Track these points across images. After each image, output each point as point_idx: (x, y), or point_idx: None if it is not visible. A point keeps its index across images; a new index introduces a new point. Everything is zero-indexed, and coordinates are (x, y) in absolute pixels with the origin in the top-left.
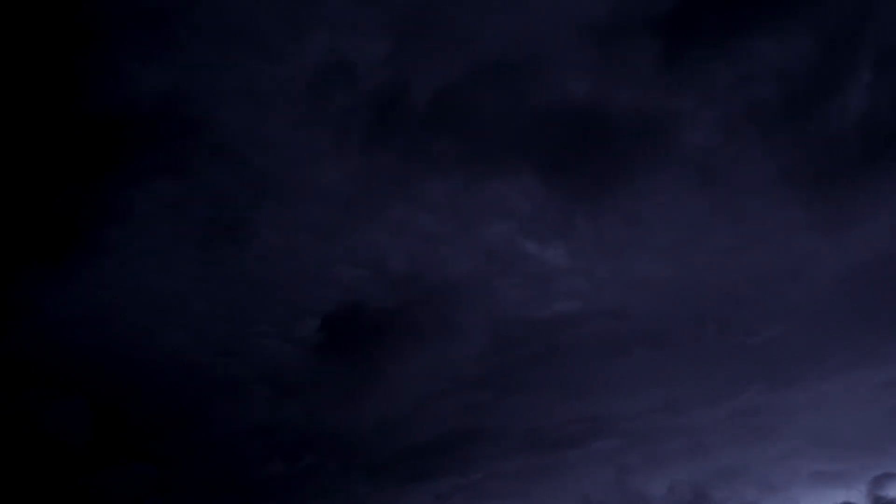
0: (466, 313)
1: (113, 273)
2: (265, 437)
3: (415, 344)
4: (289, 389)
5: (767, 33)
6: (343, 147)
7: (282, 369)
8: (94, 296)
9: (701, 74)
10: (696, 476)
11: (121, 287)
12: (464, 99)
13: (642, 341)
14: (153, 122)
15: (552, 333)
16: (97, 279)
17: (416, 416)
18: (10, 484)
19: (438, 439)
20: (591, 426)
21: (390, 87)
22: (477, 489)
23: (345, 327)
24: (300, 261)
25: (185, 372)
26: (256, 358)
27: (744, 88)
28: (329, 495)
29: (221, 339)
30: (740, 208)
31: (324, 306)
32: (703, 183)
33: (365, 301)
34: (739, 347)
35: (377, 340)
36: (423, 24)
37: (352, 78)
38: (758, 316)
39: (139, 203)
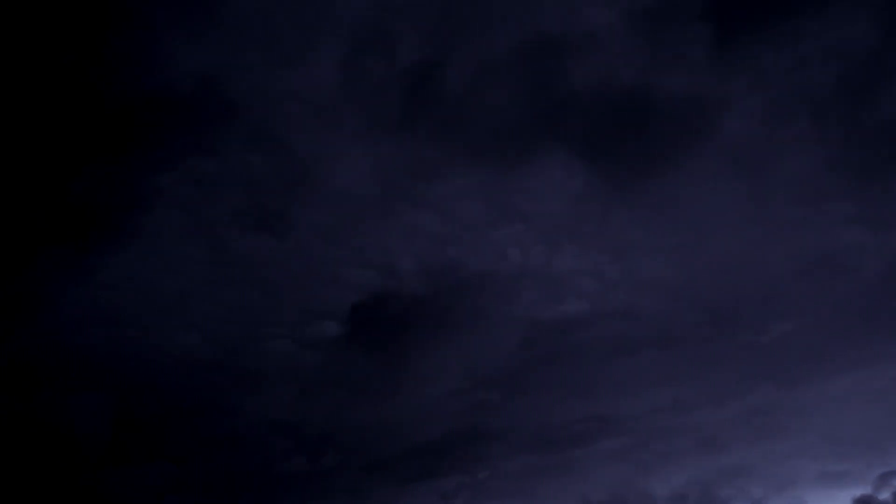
0: (489, 312)
1: (130, 268)
2: (272, 435)
3: (433, 342)
4: (302, 388)
5: (823, 15)
6: (371, 138)
7: (298, 368)
8: (112, 292)
9: (752, 59)
10: (703, 474)
11: (138, 284)
12: (502, 80)
13: (651, 342)
14: (181, 107)
15: (561, 334)
16: (114, 276)
17: (423, 415)
18: (26, 481)
19: (444, 438)
20: (598, 425)
21: (427, 66)
22: (482, 488)
23: (361, 325)
24: (316, 260)
25: (201, 370)
26: (274, 356)
27: (796, 73)
28: (333, 493)
29: (238, 336)
30: (779, 200)
31: (340, 306)
32: (742, 174)
33: (380, 301)
34: (749, 346)
35: (392, 340)
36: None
37: (388, 54)
38: (769, 314)
39: (162, 193)
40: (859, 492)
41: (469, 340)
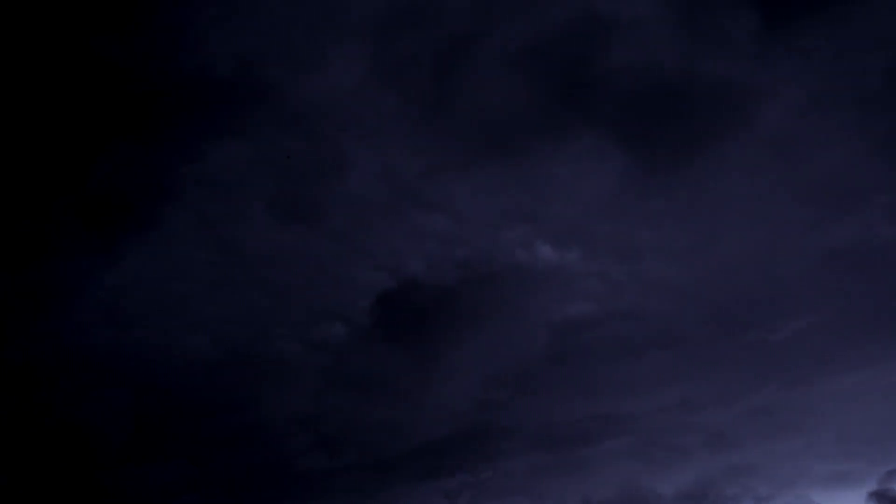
0: (497, 312)
1: (143, 269)
2: (276, 436)
3: (440, 342)
4: (310, 389)
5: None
6: (385, 136)
7: (307, 369)
8: (123, 293)
9: (798, 45)
10: (709, 473)
11: (150, 284)
12: (532, 66)
13: (659, 342)
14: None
15: (568, 335)
16: (126, 276)
17: (427, 415)
18: (43, 480)
19: (448, 438)
20: (604, 425)
21: (459, 48)
22: (486, 487)
23: (369, 326)
24: (326, 260)
25: (214, 370)
26: (283, 356)
27: (842, 61)
28: (336, 493)
29: (249, 336)
30: (809, 194)
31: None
32: (775, 167)
33: (388, 302)
34: (759, 345)
35: (399, 341)
36: None
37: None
38: (782, 312)
39: (174, 190)
40: (864, 490)
41: (477, 340)
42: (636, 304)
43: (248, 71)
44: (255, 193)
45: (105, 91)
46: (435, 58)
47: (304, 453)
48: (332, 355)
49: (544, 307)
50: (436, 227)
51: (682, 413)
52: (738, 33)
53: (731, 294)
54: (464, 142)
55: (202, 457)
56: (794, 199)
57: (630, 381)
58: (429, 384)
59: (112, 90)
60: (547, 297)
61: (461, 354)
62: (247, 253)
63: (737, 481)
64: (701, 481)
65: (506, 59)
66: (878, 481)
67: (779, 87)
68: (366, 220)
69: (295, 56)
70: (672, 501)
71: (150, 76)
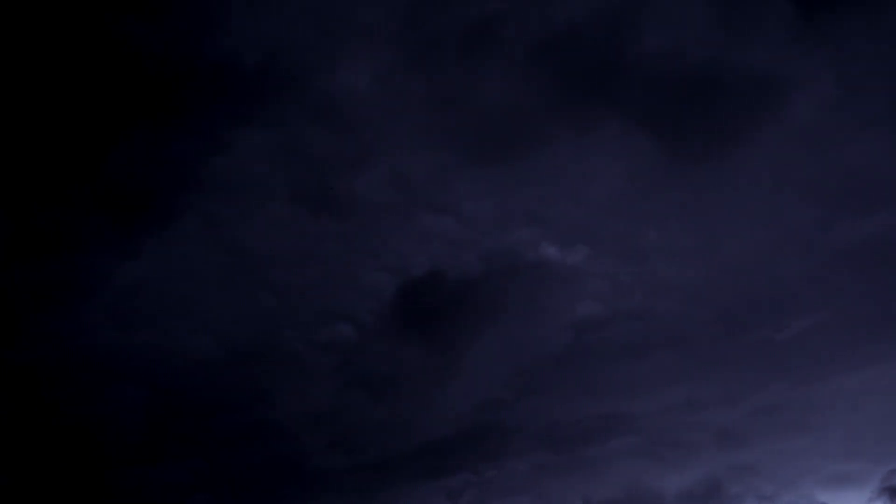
0: (503, 313)
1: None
2: (279, 436)
3: (446, 343)
4: (315, 390)
5: None
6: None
7: (312, 369)
8: (133, 295)
9: (832, 36)
10: (714, 471)
11: (159, 286)
12: (554, 57)
13: (665, 342)
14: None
15: (575, 335)
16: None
17: (431, 414)
18: (56, 480)
19: (451, 437)
20: (609, 424)
21: (488, 26)
22: (489, 486)
23: (377, 327)
24: (334, 262)
25: (221, 370)
26: (289, 357)
27: (878, 52)
28: (339, 492)
29: (259, 336)
30: (828, 189)
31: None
32: (800, 162)
33: (395, 303)
34: (765, 344)
35: (404, 341)
36: None
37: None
38: (789, 311)
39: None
40: (869, 489)
41: (485, 340)
42: (643, 304)
43: (263, 65)
44: (266, 193)
45: (119, 79)
46: (450, 57)
47: (309, 453)
48: (339, 356)
49: (551, 307)
50: (443, 229)
51: (688, 412)
52: (771, 22)
53: (737, 293)
54: (472, 142)
55: (213, 456)
56: (809, 196)
57: (636, 381)
58: (434, 384)
59: (131, 77)
60: (554, 298)
61: (468, 354)
62: (258, 253)
63: (741, 480)
64: (705, 480)
65: (523, 53)
66: (881, 480)
67: (811, 78)
68: (376, 221)
69: (308, 55)
70: (676, 500)
71: (171, 64)
